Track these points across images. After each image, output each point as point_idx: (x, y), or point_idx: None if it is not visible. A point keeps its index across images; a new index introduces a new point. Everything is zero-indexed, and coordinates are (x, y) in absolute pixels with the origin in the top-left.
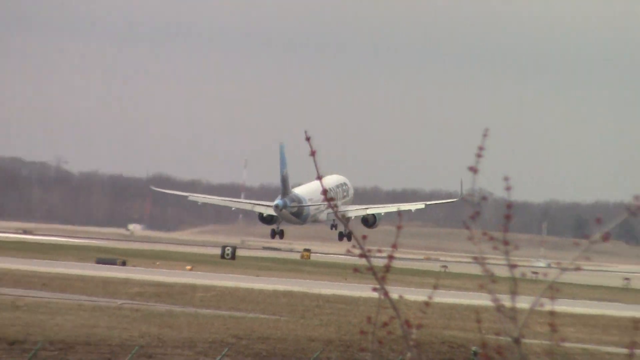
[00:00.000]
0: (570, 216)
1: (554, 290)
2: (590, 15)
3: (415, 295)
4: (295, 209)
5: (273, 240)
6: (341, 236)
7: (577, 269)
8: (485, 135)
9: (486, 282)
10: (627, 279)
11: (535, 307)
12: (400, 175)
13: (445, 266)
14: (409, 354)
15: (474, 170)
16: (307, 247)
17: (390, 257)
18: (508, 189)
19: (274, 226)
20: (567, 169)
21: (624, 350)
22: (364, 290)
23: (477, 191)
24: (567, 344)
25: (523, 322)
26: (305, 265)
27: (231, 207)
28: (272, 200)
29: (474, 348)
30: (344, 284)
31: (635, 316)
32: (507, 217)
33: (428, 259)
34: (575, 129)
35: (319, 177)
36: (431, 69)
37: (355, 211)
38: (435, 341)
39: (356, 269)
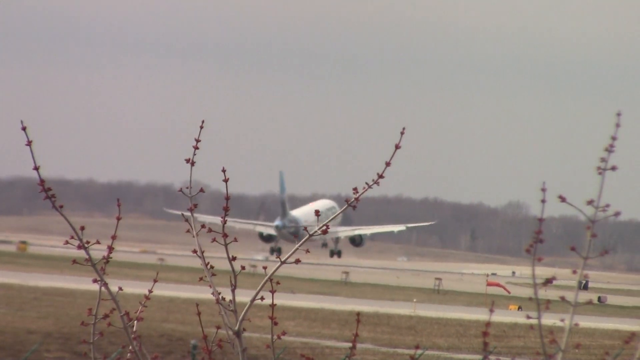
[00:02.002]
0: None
1: (275, 283)
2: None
3: (133, 287)
4: (292, 229)
5: None
6: (332, 254)
7: (297, 261)
8: (201, 127)
9: (205, 275)
10: (345, 272)
11: (255, 301)
12: (114, 168)
13: (162, 259)
14: (129, 347)
15: (190, 162)
16: (23, 240)
17: (110, 249)
18: (226, 180)
19: (272, 244)
20: (282, 162)
21: (344, 344)
22: (83, 283)
23: (194, 183)
24: (287, 338)
25: (243, 315)
26: (21, 257)
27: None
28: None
29: (193, 341)
30: (62, 276)
31: (354, 309)
32: (225, 209)
33: (144, 252)
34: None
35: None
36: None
37: (344, 232)
38: (154, 334)
39: (75, 261)
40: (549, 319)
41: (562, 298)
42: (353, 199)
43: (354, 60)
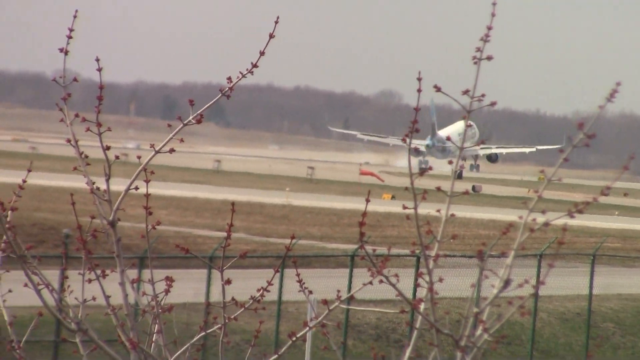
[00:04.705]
0: (159, 97)
1: (148, 173)
2: None
3: (6, 177)
4: (440, 147)
5: None
6: (472, 167)
7: (171, 150)
8: (74, 17)
9: (79, 164)
10: (217, 161)
11: (129, 190)
12: None
13: (33, 147)
14: (4, 237)
15: (64, 51)
16: None
17: None
18: (99, 69)
19: (420, 157)
20: (155, 50)
21: (217, 233)
22: None
23: (67, 72)
24: (160, 227)
25: (117, 205)
26: None
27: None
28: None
29: (65, 230)
30: None
31: (227, 198)
32: (99, 99)
33: (16, 140)
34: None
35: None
36: None
37: (483, 150)
38: (26, 223)
39: None
40: (425, 209)
41: (438, 188)
42: (227, 89)
43: None
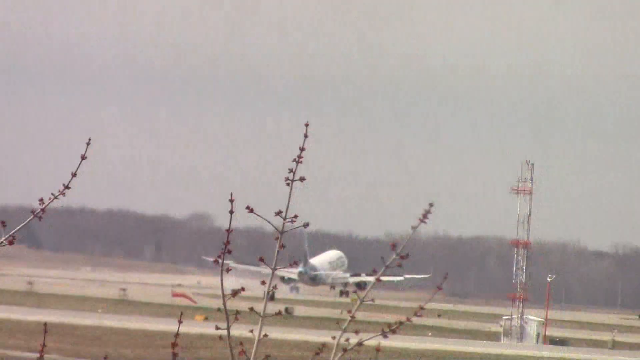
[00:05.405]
0: None
1: None
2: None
3: None
4: (312, 275)
5: None
6: (341, 293)
7: None
8: None
9: None
10: (30, 282)
11: None
12: None
13: None
14: None
15: None
16: None
17: None
18: None
19: (291, 284)
20: None
21: (30, 354)
22: None
23: None
24: None
25: None
26: None
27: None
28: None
29: None
30: None
31: (41, 319)
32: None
33: None
34: None
35: None
36: None
37: (353, 279)
38: None
39: None
40: (238, 330)
41: (251, 309)
42: (39, 210)
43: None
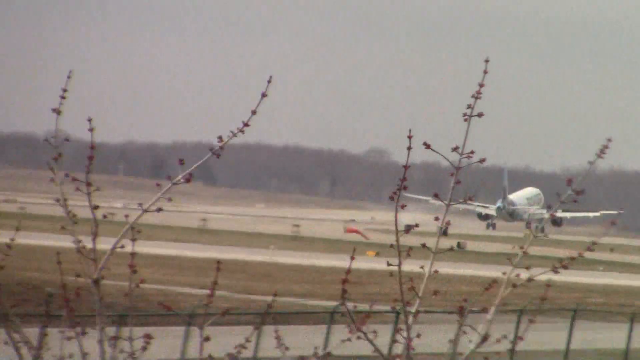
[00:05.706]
0: (148, 157)
1: (135, 231)
2: None
3: None
4: (510, 210)
5: None
6: (536, 228)
7: (159, 210)
8: (68, 77)
9: (67, 223)
10: (203, 219)
11: (115, 249)
12: None
13: (23, 207)
14: None
15: (57, 111)
16: None
17: None
18: (91, 130)
19: (488, 221)
20: (145, 109)
21: (200, 291)
22: None
23: (59, 132)
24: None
25: (103, 263)
26: None
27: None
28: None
29: (48, 289)
30: None
31: (211, 257)
32: (90, 158)
33: (5, 201)
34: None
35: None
36: None
37: (548, 215)
38: (11, 282)
39: None
40: (409, 266)
41: (424, 245)
42: (218, 147)
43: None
